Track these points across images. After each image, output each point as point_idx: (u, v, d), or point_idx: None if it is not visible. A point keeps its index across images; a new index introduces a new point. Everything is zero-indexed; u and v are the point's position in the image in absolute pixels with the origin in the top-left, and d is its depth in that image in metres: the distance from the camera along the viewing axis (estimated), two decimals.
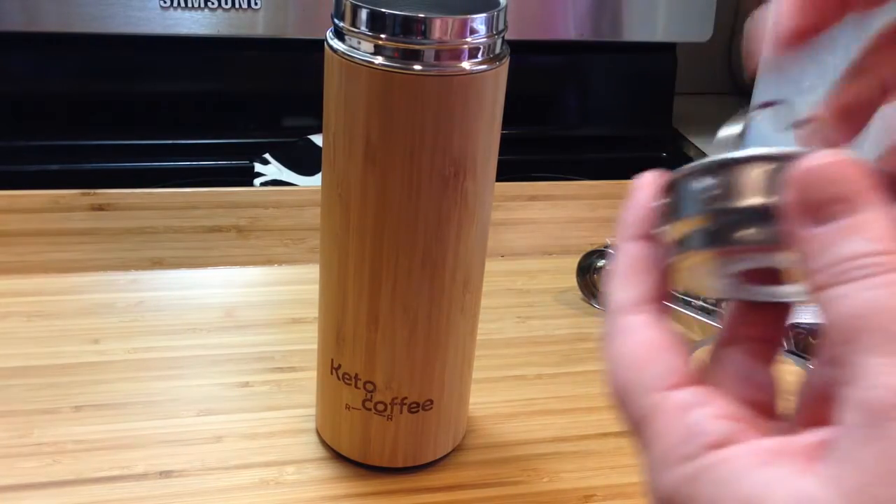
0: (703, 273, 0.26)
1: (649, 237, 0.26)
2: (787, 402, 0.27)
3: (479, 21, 0.42)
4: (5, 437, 0.52)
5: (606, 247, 0.71)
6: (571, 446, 0.56)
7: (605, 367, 0.25)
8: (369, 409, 0.50)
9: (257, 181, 0.82)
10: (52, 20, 0.82)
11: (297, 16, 0.87)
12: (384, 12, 0.42)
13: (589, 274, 0.71)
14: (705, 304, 0.66)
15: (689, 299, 0.67)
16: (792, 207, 0.22)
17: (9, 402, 0.55)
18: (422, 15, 0.41)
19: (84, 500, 0.49)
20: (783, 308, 0.27)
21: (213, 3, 0.84)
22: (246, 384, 0.58)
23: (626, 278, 0.26)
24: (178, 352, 0.61)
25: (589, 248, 0.71)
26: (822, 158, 0.21)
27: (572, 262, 0.71)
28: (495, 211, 0.51)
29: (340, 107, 0.44)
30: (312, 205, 0.71)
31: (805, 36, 0.26)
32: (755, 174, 0.23)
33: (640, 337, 0.24)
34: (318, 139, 0.86)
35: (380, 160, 0.44)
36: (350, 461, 0.52)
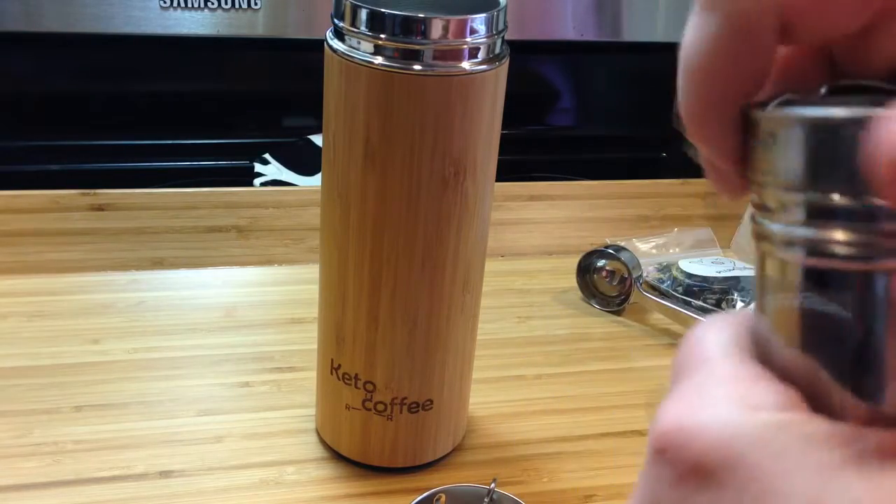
0: None
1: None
2: None
3: (479, 21, 0.42)
4: (5, 437, 0.52)
5: (606, 247, 0.71)
6: (571, 446, 0.56)
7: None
8: (369, 409, 0.50)
9: (257, 181, 0.82)
10: (53, 20, 0.82)
11: (297, 16, 0.87)
12: (384, 12, 0.42)
13: (589, 274, 0.71)
14: (704, 305, 0.66)
15: (688, 299, 0.67)
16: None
17: (9, 402, 0.55)
18: (422, 15, 0.41)
19: (84, 500, 0.49)
20: None
21: (213, 3, 0.84)
22: (246, 384, 0.58)
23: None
24: (178, 352, 0.61)
25: (589, 248, 0.71)
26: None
27: (572, 262, 0.71)
28: (495, 211, 0.51)
29: (340, 107, 0.44)
30: (312, 205, 0.71)
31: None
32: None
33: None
34: (318, 139, 0.86)
35: (380, 160, 0.44)
36: (350, 461, 0.52)
